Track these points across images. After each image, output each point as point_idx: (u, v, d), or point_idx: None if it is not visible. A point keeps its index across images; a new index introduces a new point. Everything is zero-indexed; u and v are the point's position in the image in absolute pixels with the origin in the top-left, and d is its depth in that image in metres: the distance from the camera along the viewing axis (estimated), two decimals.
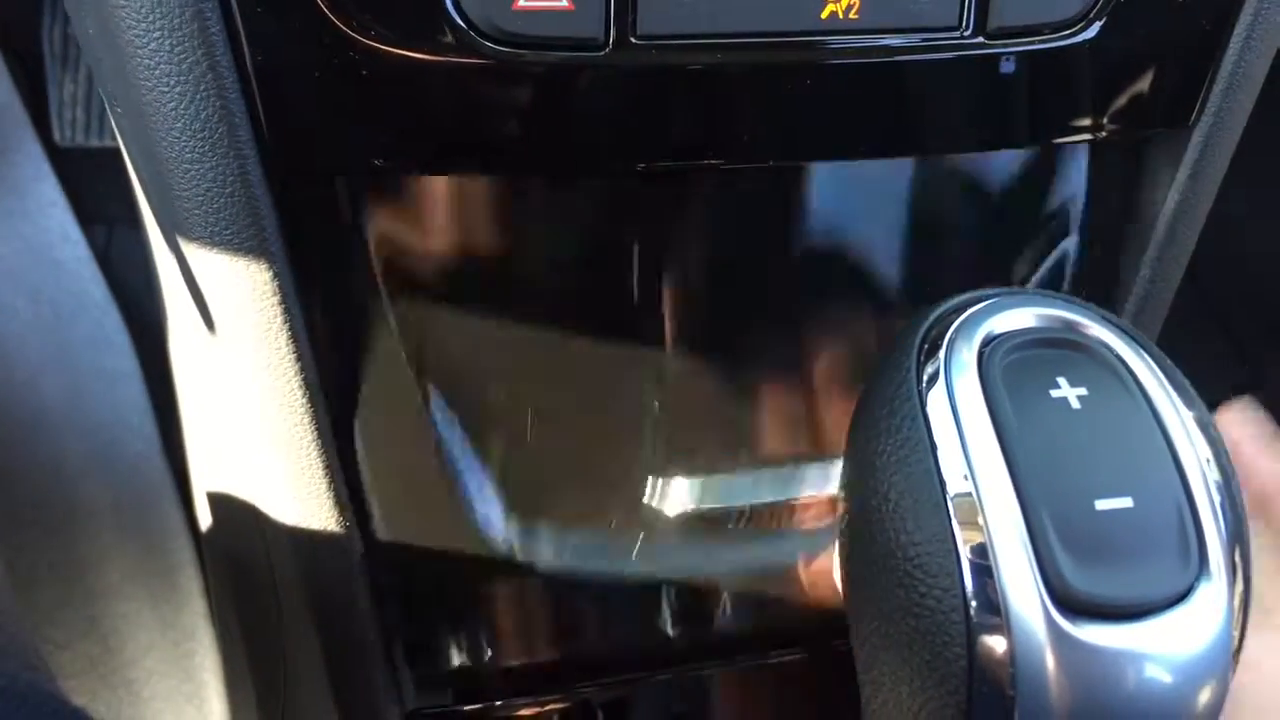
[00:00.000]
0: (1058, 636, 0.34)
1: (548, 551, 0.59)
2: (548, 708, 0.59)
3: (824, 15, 0.48)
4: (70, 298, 1.13)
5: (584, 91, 0.48)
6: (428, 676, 0.59)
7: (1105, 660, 0.34)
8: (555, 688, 0.59)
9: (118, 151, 0.56)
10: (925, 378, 0.37)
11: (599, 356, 0.54)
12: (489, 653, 0.60)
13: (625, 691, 0.60)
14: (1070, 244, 0.57)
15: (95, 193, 1.15)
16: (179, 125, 0.45)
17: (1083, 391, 0.37)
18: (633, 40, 0.46)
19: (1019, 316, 0.38)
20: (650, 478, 0.58)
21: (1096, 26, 0.52)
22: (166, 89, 0.45)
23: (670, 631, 0.61)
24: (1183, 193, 0.57)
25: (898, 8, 0.49)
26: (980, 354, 0.37)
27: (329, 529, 0.53)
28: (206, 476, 0.74)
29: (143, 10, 0.43)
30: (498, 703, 0.59)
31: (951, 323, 0.38)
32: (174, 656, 1.07)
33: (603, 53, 0.46)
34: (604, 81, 0.48)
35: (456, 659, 0.60)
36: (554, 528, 0.58)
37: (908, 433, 0.36)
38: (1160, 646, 0.34)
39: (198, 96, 0.45)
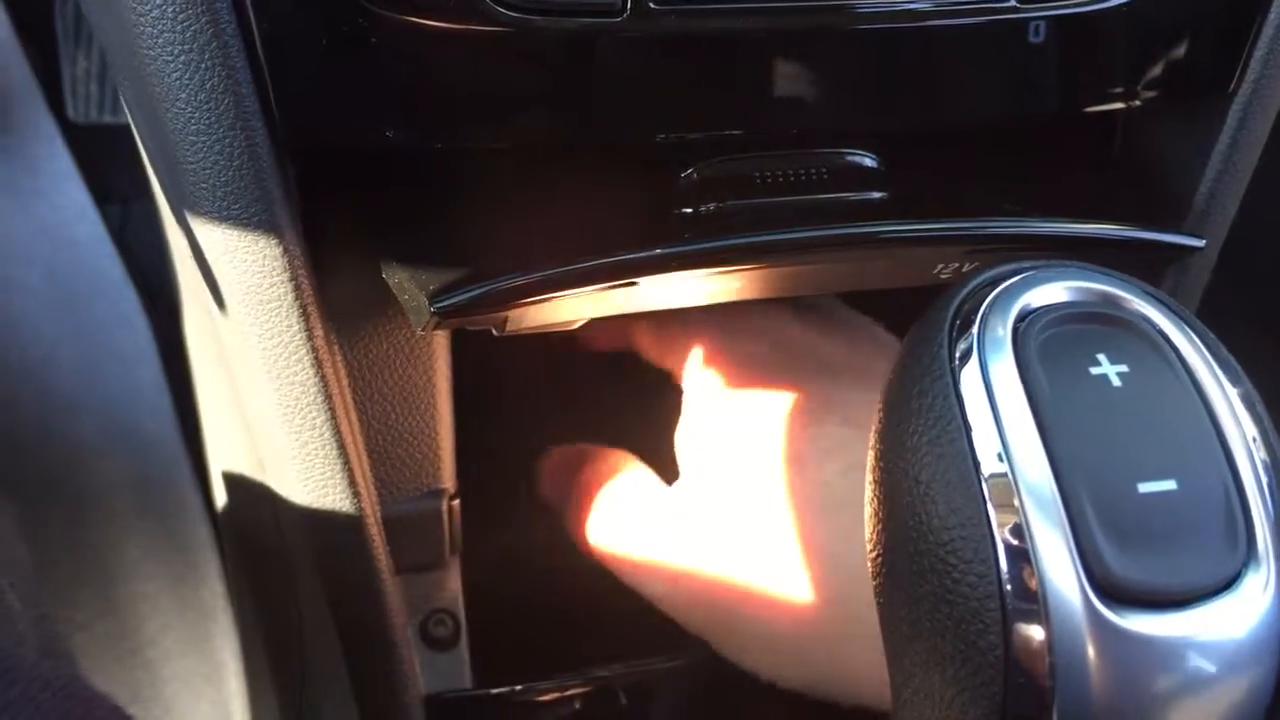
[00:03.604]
0: (1098, 625, 0.32)
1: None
2: (568, 692, 0.58)
3: None
4: (86, 276, 1.12)
5: (601, 59, 0.46)
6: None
7: (1148, 650, 0.32)
8: (575, 671, 0.58)
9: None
10: (958, 354, 0.36)
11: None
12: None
13: (645, 675, 0.59)
14: (1108, 215, 0.55)
15: (110, 170, 1.14)
16: (184, 96, 0.44)
17: (1124, 369, 0.35)
18: (651, 6, 0.45)
19: (1056, 290, 0.36)
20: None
21: None
22: (171, 58, 0.43)
23: None
24: (1222, 162, 0.55)
25: None
26: (1015, 329, 0.36)
27: (342, 508, 0.52)
28: (222, 456, 0.74)
29: None
30: (517, 687, 0.58)
31: (985, 297, 0.36)
32: (192, 636, 1.06)
33: (621, 19, 0.45)
34: (622, 49, 0.46)
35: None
36: None
37: (940, 412, 0.35)
38: (1205, 636, 0.32)
39: (203, 66, 0.43)
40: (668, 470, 0.57)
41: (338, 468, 0.51)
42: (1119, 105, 0.54)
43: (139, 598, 1.06)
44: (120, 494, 1.08)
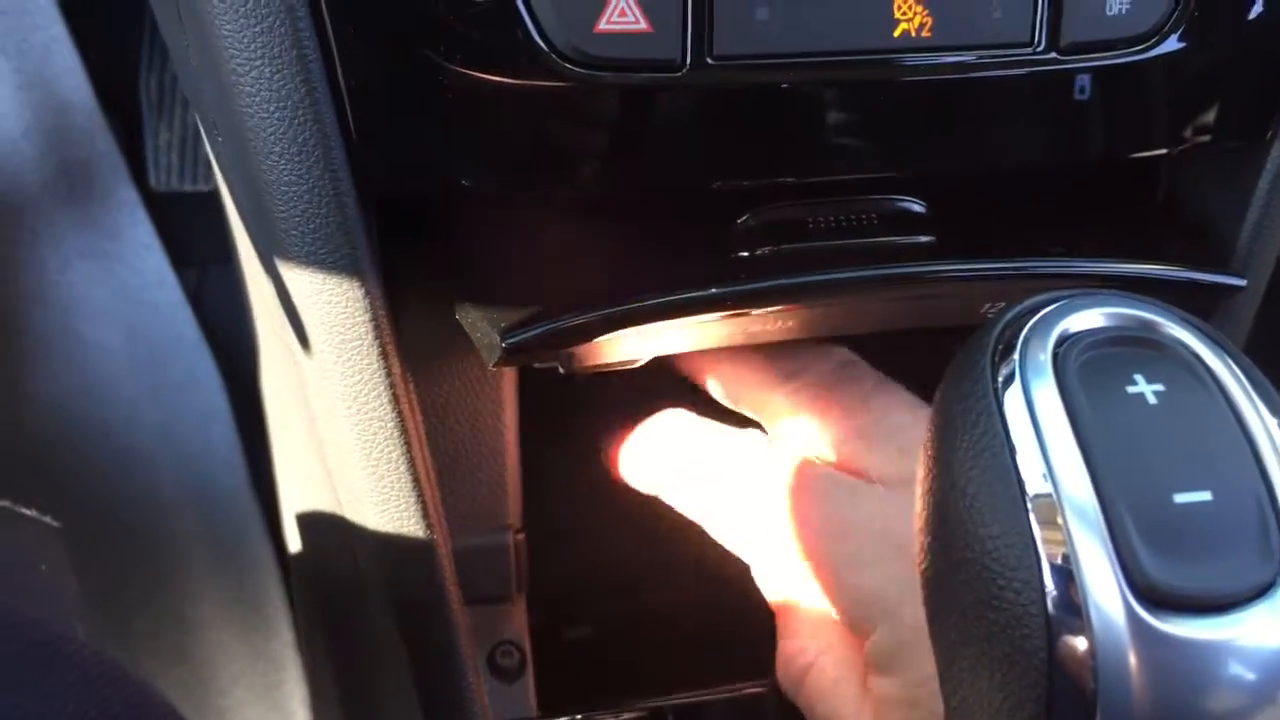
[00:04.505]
0: (1139, 629, 0.34)
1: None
2: (623, 718, 0.59)
3: (896, 34, 0.49)
4: (164, 339, 1.16)
5: (662, 111, 0.49)
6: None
7: (1188, 653, 0.34)
8: (634, 700, 0.60)
9: (210, 195, 0.58)
10: (1001, 378, 0.38)
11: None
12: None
13: (697, 704, 0.61)
14: (1152, 256, 0.57)
15: (188, 236, 1.18)
16: (278, 149, 0.47)
17: (1160, 388, 0.37)
18: (709, 61, 0.48)
19: (1094, 316, 0.38)
20: None
21: (1171, 41, 0.52)
22: (266, 114, 0.47)
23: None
24: (1264, 205, 0.57)
25: (970, 25, 0.50)
26: (1055, 354, 0.38)
27: (416, 537, 0.54)
28: (296, 504, 0.77)
29: (245, 40, 0.46)
30: (578, 716, 0.59)
31: (1026, 323, 0.38)
32: (263, 686, 1.09)
33: (680, 73, 0.48)
34: (682, 101, 0.49)
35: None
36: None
37: (984, 428, 0.36)
38: (1244, 640, 0.34)
39: (295, 121, 0.47)
40: None
41: (412, 500, 0.54)
42: (1159, 152, 0.56)
43: (212, 648, 1.09)
44: (195, 548, 1.11)
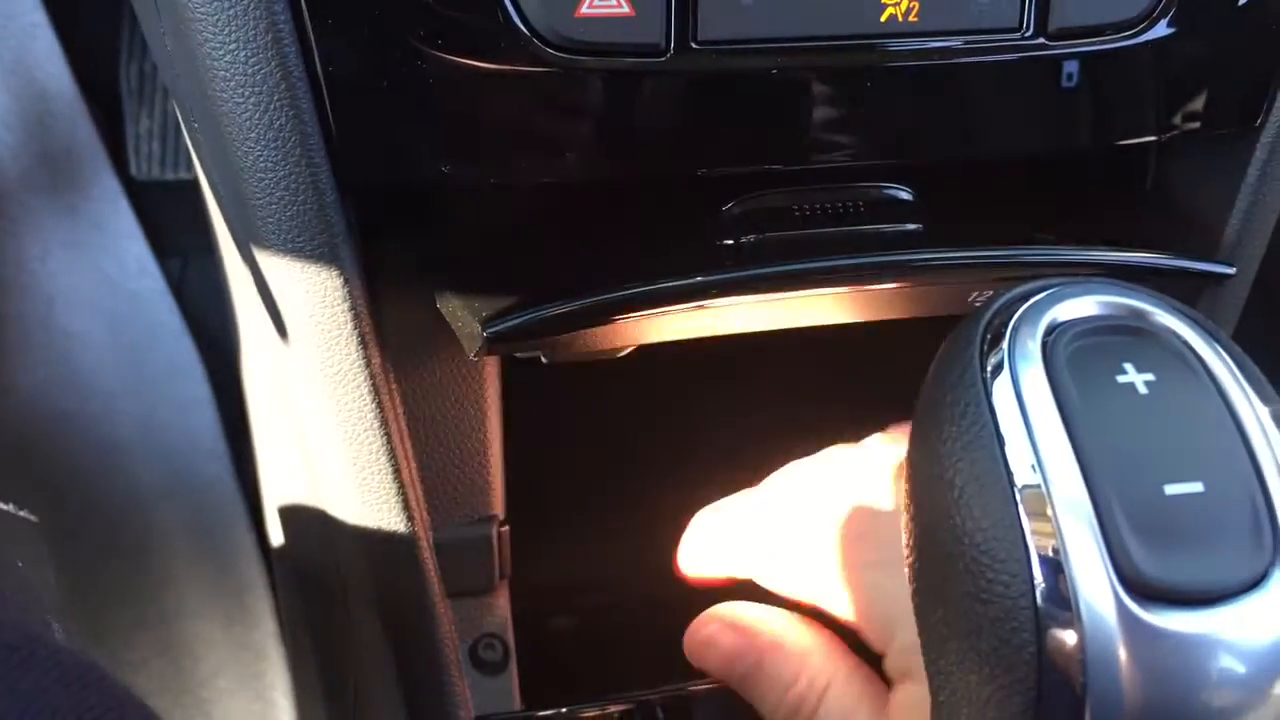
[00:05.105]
0: (1129, 622, 0.33)
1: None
2: (609, 710, 0.59)
3: (883, 18, 0.49)
4: (146, 328, 1.15)
5: (646, 96, 0.48)
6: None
7: (1178, 646, 0.33)
8: (619, 693, 0.60)
9: (192, 183, 0.57)
10: (989, 367, 0.37)
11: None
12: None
13: (684, 696, 0.60)
14: (1141, 244, 0.57)
15: (171, 225, 1.17)
16: (254, 135, 0.47)
17: (1150, 377, 0.36)
18: (693, 45, 0.47)
19: (1084, 304, 0.38)
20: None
21: (1160, 26, 0.52)
22: (241, 100, 0.46)
23: None
24: (1253, 194, 0.57)
25: (957, 10, 0.49)
26: (1045, 342, 0.37)
27: (397, 530, 0.54)
28: (279, 493, 0.76)
29: (219, 24, 0.45)
30: (563, 709, 0.59)
31: (1015, 311, 0.38)
32: (245, 676, 1.08)
33: (664, 58, 0.47)
34: (665, 86, 0.48)
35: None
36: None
37: (972, 419, 0.36)
38: (1234, 633, 0.33)
39: (271, 106, 0.46)
40: (711, 497, 0.58)
41: (393, 491, 0.53)
42: (1147, 139, 0.56)
43: (194, 639, 1.08)
44: (178, 538, 1.10)
